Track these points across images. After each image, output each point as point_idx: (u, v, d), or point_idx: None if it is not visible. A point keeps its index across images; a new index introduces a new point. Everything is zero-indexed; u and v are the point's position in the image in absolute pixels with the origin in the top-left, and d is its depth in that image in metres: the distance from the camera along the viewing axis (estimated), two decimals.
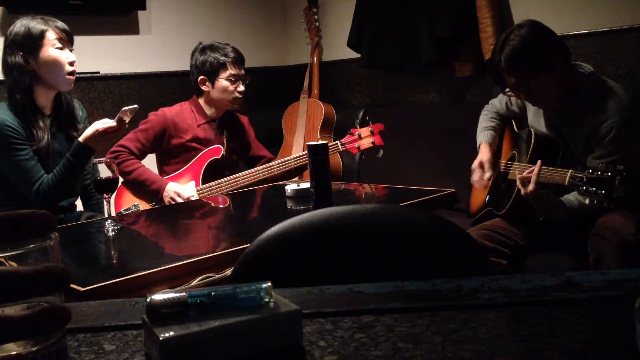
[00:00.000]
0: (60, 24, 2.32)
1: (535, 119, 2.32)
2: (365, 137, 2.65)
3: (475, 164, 2.43)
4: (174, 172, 2.71)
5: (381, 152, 2.68)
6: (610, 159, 2.03)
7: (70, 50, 2.35)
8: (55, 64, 2.27)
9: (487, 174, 2.37)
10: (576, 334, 0.63)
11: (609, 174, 1.82)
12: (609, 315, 0.68)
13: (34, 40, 2.25)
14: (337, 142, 2.66)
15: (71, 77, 2.32)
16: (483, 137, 2.49)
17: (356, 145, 2.65)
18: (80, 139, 2.21)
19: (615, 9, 2.46)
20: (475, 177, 2.42)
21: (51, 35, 2.27)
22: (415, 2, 3.31)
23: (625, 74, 2.61)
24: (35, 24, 2.27)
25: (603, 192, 1.82)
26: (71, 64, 2.31)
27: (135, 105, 2.15)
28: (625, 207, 2.05)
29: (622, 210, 2.04)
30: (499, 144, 2.49)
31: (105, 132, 2.17)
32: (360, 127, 2.68)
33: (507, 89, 2.19)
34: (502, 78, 2.16)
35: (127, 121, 2.19)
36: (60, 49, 2.29)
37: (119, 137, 2.35)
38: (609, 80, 2.18)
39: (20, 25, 2.28)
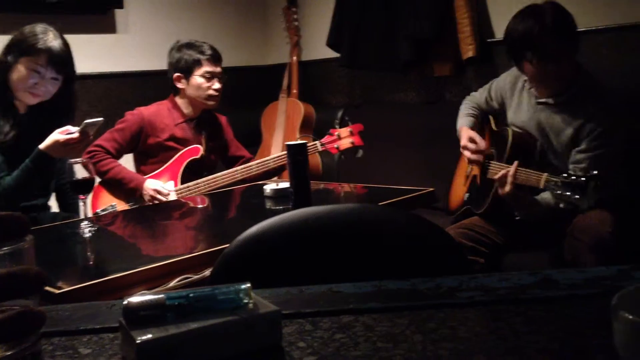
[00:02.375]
0: (56, 46, 2.24)
1: (517, 115, 2.33)
2: (344, 138, 2.66)
3: (464, 140, 2.38)
4: (152, 172, 2.69)
5: (360, 152, 2.68)
6: (595, 153, 2.07)
7: (57, 72, 2.28)
8: (20, 82, 2.22)
9: (482, 144, 2.33)
10: (554, 332, 0.64)
11: (584, 179, 1.83)
12: (586, 313, 0.69)
13: (18, 53, 2.21)
14: (317, 142, 2.66)
15: (34, 96, 2.27)
16: (463, 122, 2.48)
17: (335, 146, 2.66)
18: (41, 146, 2.15)
19: (588, 10, 2.50)
20: (469, 152, 2.36)
21: (35, 60, 2.20)
22: (394, 2, 3.32)
23: (603, 72, 2.62)
24: (33, 39, 2.20)
25: (577, 197, 1.83)
26: (34, 85, 2.25)
27: (100, 119, 2.08)
28: (602, 206, 2.07)
29: (598, 209, 2.07)
30: (480, 133, 2.49)
31: (67, 143, 2.11)
32: (340, 127, 2.68)
33: (529, 59, 2.09)
34: (523, 50, 2.09)
35: (91, 134, 2.13)
36: (38, 72, 2.23)
37: (82, 149, 2.29)
38: (597, 79, 2.22)
39: (26, 32, 2.22)
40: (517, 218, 2.16)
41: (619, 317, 0.51)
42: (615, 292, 0.55)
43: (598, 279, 0.79)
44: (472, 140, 2.36)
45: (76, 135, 2.09)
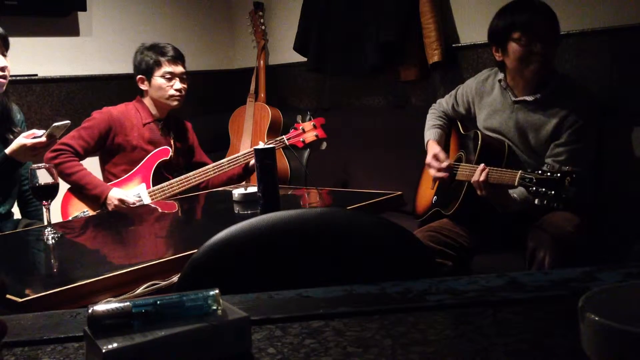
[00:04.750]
0: (1, 30, 2.23)
1: (491, 116, 2.35)
2: (308, 131, 2.72)
3: (429, 157, 2.42)
4: (118, 172, 2.65)
5: (325, 145, 2.73)
6: (573, 147, 2.13)
7: (4, 55, 2.26)
8: None
9: (445, 163, 2.36)
10: (522, 334, 0.65)
11: (559, 174, 1.84)
12: (553, 315, 0.70)
13: None
14: (283, 137, 2.70)
15: (1, 80, 2.23)
16: (430, 134, 2.52)
17: (301, 139, 2.72)
18: (7, 150, 2.11)
19: (562, 15, 2.54)
20: (433, 169, 2.39)
21: None
22: (360, 6, 3.34)
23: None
24: None
25: (553, 192, 1.84)
26: (1, 69, 2.21)
27: (67, 121, 2.06)
28: (570, 209, 2.12)
29: (567, 211, 2.12)
30: (446, 144, 2.53)
31: (34, 147, 2.07)
32: (303, 121, 2.74)
33: (516, 36, 2.16)
34: (512, 30, 2.16)
35: (58, 137, 2.10)
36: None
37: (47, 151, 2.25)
38: (572, 78, 2.30)
39: None
40: (499, 211, 2.19)
41: (585, 319, 0.52)
42: (581, 294, 0.55)
43: (564, 280, 0.80)
44: (436, 157, 2.39)
45: (43, 139, 2.05)
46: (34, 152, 2.08)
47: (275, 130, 3.68)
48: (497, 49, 2.25)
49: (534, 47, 2.15)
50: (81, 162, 2.61)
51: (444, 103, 2.59)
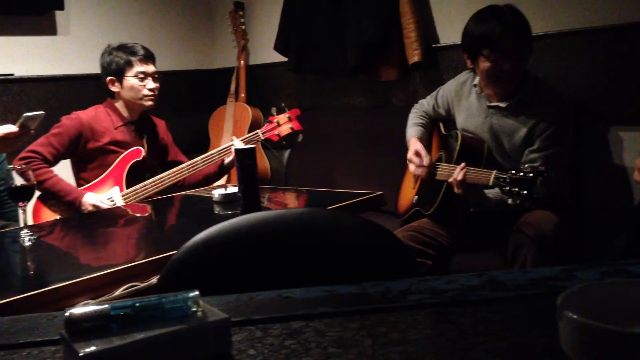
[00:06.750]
0: None
1: (467, 120, 2.37)
2: (284, 124, 2.70)
3: (410, 153, 2.43)
4: (92, 178, 2.59)
5: (301, 137, 2.73)
6: (547, 152, 2.15)
7: None
8: None
9: (425, 160, 2.37)
10: (501, 332, 0.65)
11: (531, 175, 1.88)
12: (532, 314, 0.70)
13: None
14: (257, 131, 2.68)
15: None
16: (412, 131, 2.53)
17: (276, 132, 2.70)
18: None
19: (530, 17, 2.56)
20: (414, 165, 2.40)
21: None
22: (341, 6, 3.34)
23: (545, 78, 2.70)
24: None
25: (525, 192, 1.88)
26: None
27: (41, 112, 2.01)
28: (548, 208, 2.15)
29: (545, 210, 2.15)
30: (428, 144, 2.54)
31: (6, 137, 2.03)
32: (277, 114, 2.72)
33: (486, 54, 2.15)
34: (481, 46, 2.16)
35: (32, 128, 2.05)
36: None
37: (23, 144, 2.19)
38: (546, 82, 2.31)
39: None
40: (471, 210, 2.20)
41: (563, 317, 0.52)
42: (559, 292, 0.56)
43: (543, 279, 0.81)
44: (417, 154, 2.39)
45: (15, 129, 2.01)
46: (6, 142, 2.03)
47: (255, 130, 3.67)
48: (469, 56, 2.27)
49: (504, 65, 2.16)
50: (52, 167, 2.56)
51: (425, 103, 2.61)
